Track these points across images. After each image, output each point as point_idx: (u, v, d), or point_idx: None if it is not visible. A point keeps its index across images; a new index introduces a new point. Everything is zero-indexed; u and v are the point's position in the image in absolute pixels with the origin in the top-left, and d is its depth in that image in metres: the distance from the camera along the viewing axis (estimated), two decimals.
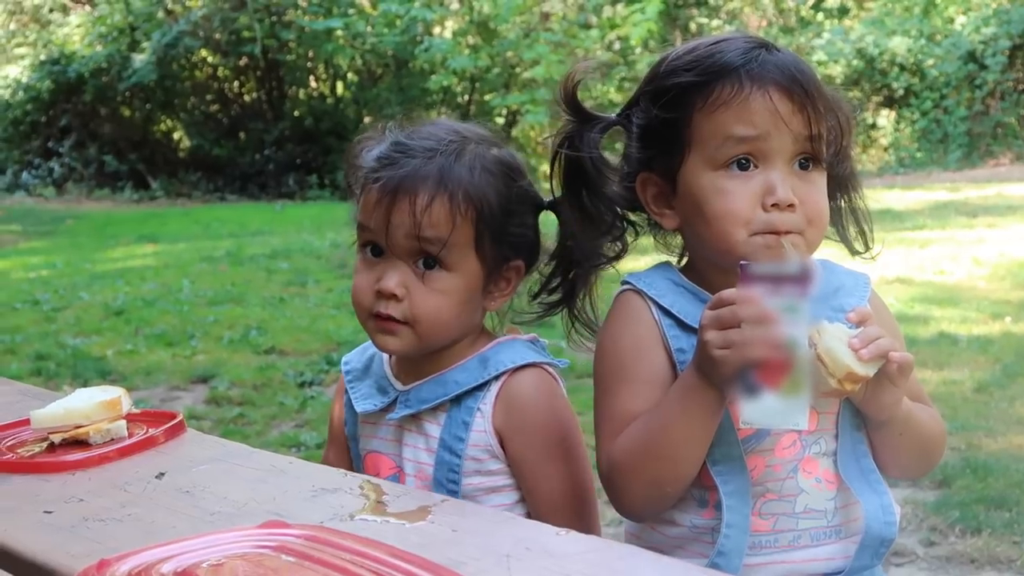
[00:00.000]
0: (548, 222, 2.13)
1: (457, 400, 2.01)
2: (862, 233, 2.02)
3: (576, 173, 2.00)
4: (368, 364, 2.17)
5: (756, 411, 1.68)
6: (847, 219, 2.01)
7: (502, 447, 2.00)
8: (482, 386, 2.01)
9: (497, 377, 2.01)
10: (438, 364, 2.04)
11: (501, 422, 1.99)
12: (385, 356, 2.14)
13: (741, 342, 1.66)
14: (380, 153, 2.03)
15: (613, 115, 2.01)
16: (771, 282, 1.65)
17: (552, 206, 2.10)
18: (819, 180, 1.86)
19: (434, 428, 2.03)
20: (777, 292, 1.64)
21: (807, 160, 1.84)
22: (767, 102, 1.81)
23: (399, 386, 2.08)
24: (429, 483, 2.00)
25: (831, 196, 1.96)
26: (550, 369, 2.05)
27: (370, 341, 2.14)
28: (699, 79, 1.86)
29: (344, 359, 2.23)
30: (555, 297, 2.12)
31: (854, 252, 2.02)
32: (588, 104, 2.01)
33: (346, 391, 2.18)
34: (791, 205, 1.81)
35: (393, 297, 1.98)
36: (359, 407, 2.11)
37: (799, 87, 1.82)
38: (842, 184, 1.99)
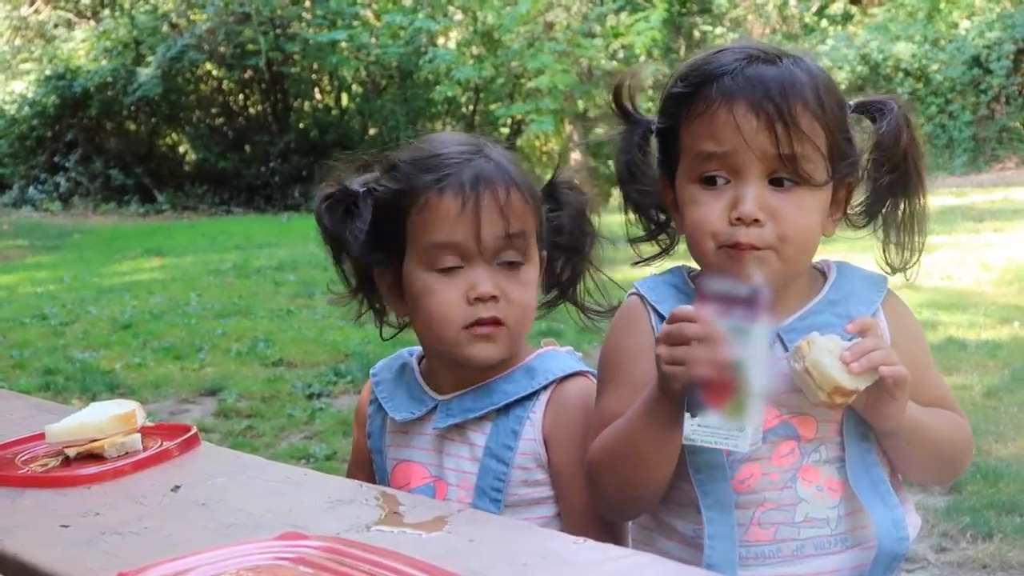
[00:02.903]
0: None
1: (505, 409, 2.00)
2: (906, 242, 1.97)
3: (619, 174, 2.04)
4: (400, 374, 2.14)
5: (699, 429, 1.68)
6: (897, 227, 1.97)
7: (548, 455, 2.00)
8: (531, 395, 2.00)
9: (546, 387, 2.01)
10: (478, 372, 2.02)
11: (550, 429, 1.99)
12: (415, 365, 2.13)
13: (687, 359, 1.66)
14: (416, 166, 2.00)
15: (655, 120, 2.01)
16: (723, 302, 1.64)
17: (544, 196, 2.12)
18: (801, 198, 1.82)
19: (479, 437, 2.01)
20: (727, 313, 1.63)
21: (781, 179, 1.81)
22: (730, 118, 1.79)
23: (435, 395, 2.06)
24: (473, 492, 1.99)
25: (880, 201, 1.95)
26: (592, 379, 2.04)
27: (398, 353, 2.17)
28: (686, 90, 1.87)
29: (372, 370, 2.20)
30: (552, 294, 2.15)
31: (891, 268, 1.99)
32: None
33: (370, 403, 2.17)
34: (757, 220, 1.79)
35: (492, 299, 1.95)
36: (398, 415, 2.08)
37: (771, 104, 1.78)
38: (895, 190, 1.95)
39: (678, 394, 1.70)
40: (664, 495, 1.90)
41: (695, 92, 1.85)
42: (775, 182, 1.81)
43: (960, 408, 1.99)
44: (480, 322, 1.95)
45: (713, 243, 1.83)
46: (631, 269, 2.10)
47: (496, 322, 1.96)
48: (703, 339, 1.64)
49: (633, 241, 2.07)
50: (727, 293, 1.64)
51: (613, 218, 2.14)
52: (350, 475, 2.21)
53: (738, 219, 1.80)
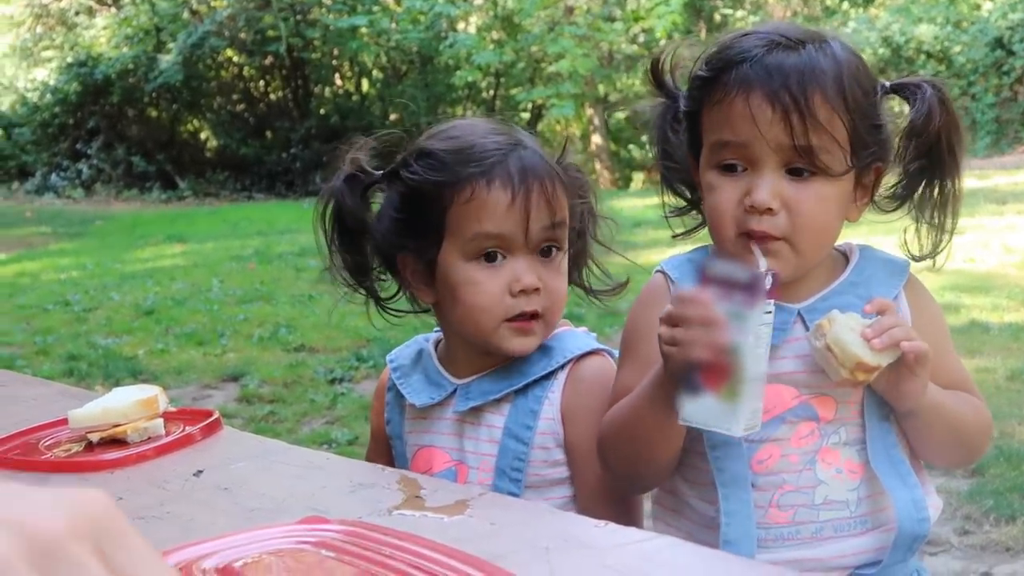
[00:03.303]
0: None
1: (523, 390, 2.01)
2: (937, 225, 1.94)
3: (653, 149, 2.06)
4: (416, 359, 2.15)
5: (695, 410, 1.68)
6: (930, 210, 1.94)
7: (564, 432, 2.00)
8: (548, 375, 2.01)
9: (563, 366, 2.01)
10: (499, 357, 2.03)
11: (568, 406, 2.00)
12: (432, 351, 2.13)
13: (686, 341, 1.66)
14: (459, 154, 1.98)
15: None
16: (724, 286, 1.64)
17: None
18: (818, 188, 1.80)
19: (497, 419, 2.02)
20: (727, 297, 1.63)
21: (800, 169, 1.79)
22: (745, 108, 1.78)
23: (454, 379, 2.07)
24: (493, 473, 2.00)
25: (911, 185, 1.93)
26: (609, 357, 2.05)
27: (413, 339, 2.18)
28: (708, 75, 1.86)
29: (389, 356, 2.20)
30: None
31: (917, 256, 1.96)
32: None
33: (388, 390, 2.18)
34: (769, 209, 1.78)
35: (536, 291, 1.96)
36: (417, 400, 2.08)
37: (787, 94, 1.75)
38: (927, 173, 1.92)
39: (674, 375, 1.71)
40: (684, 474, 1.91)
41: (715, 78, 1.84)
42: (793, 171, 1.80)
43: (979, 392, 1.98)
44: (522, 315, 1.96)
45: (731, 231, 1.83)
46: (634, 251, 2.11)
47: (535, 316, 1.97)
48: (702, 322, 1.65)
49: (669, 216, 2.07)
50: (728, 277, 1.64)
51: (629, 202, 2.14)
52: (369, 461, 2.22)
53: (751, 207, 1.79)
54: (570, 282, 2.13)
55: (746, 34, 1.86)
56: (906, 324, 1.78)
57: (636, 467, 1.90)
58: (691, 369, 1.67)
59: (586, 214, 2.13)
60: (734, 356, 1.63)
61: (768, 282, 1.63)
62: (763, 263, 1.75)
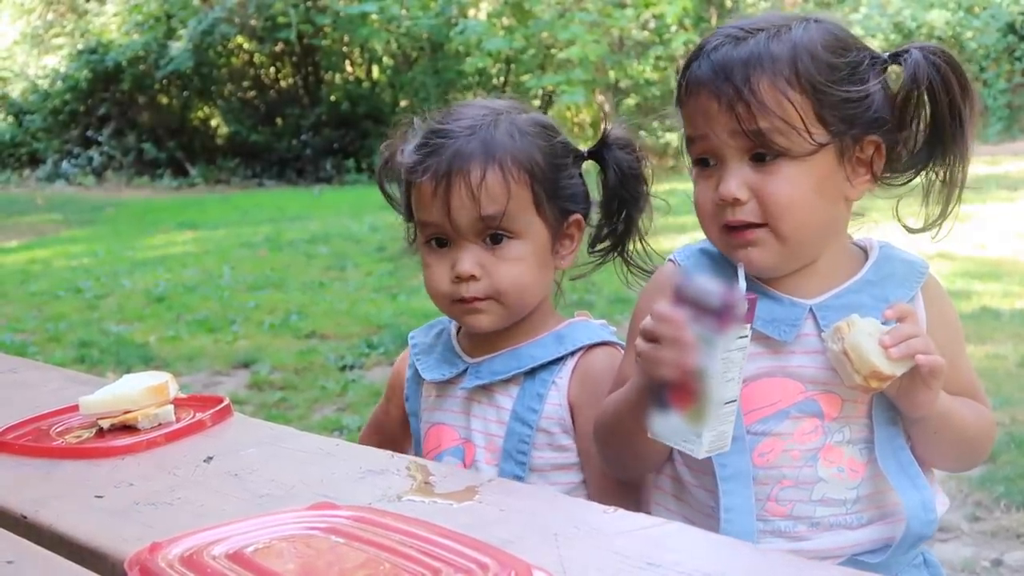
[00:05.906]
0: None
1: (531, 373, 2.04)
2: (939, 207, 1.91)
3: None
4: (436, 338, 2.19)
5: (663, 425, 1.69)
6: (930, 193, 1.92)
7: (573, 421, 2.02)
8: (558, 361, 2.03)
9: (572, 353, 2.04)
10: (509, 338, 2.07)
11: (575, 395, 2.02)
12: (453, 331, 2.17)
13: (655, 359, 1.67)
14: (419, 143, 2.05)
15: None
16: (696, 308, 1.63)
17: (592, 155, 2.14)
18: (786, 170, 1.78)
19: (506, 400, 2.05)
20: (699, 319, 1.63)
21: (763, 155, 1.79)
22: (697, 103, 1.83)
23: (467, 358, 2.10)
24: (499, 454, 2.03)
25: (917, 156, 1.90)
26: (620, 350, 2.06)
27: (436, 319, 2.21)
28: (679, 77, 1.92)
29: (410, 334, 2.26)
30: (606, 244, 2.16)
31: (909, 229, 1.94)
32: None
33: (409, 367, 2.21)
34: (737, 200, 1.79)
35: (472, 278, 1.99)
36: (429, 375, 2.13)
37: (730, 86, 1.78)
38: (933, 141, 1.89)
39: (646, 386, 1.73)
40: (687, 461, 1.91)
41: (680, 81, 1.89)
42: (757, 158, 1.80)
43: (986, 398, 1.96)
44: (463, 300, 2.01)
45: (713, 227, 1.85)
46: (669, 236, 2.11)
47: (478, 299, 2.01)
48: (672, 342, 1.65)
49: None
50: (701, 299, 1.63)
51: None
52: (365, 438, 2.25)
53: (721, 200, 1.81)
54: (617, 254, 2.16)
55: (713, 34, 1.89)
56: (924, 334, 1.75)
57: (622, 459, 1.94)
58: (660, 387, 1.68)
59: (626, 193, 2.13)
60: (701, 380, 1.63)
61: (743, 307, 1.63)
62: (743, 285, 1.75)
